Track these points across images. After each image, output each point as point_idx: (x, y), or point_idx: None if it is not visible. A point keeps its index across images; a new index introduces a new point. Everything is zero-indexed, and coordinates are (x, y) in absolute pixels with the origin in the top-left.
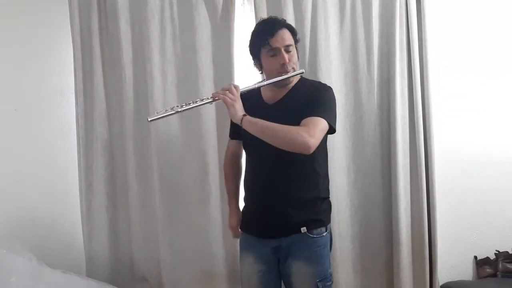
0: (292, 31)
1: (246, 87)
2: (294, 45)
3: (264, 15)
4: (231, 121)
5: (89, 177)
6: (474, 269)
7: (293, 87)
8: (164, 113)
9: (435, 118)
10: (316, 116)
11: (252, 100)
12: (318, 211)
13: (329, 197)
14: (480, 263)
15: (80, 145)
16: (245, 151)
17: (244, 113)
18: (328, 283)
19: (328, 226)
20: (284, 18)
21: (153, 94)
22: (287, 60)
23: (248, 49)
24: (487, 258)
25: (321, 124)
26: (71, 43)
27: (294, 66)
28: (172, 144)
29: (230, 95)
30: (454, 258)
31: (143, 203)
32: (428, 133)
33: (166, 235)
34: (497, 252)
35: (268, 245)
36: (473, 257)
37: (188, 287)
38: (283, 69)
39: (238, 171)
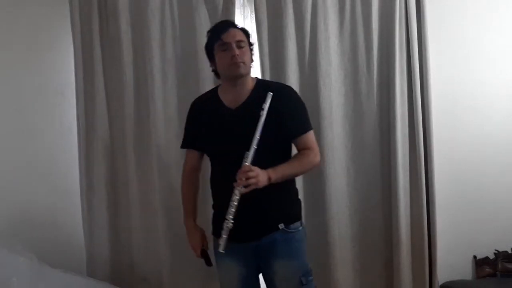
0: (246, 33)
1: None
2: (247, 44)
3: (264, 15)
4: (186, 127)
5: (90, 177)
6: (474, 269)
7: (254, 89)
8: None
9: (435, 118)
10: (307, 131)
11: (211, 104)
12: (293, 206)
13: (298, 195)
14: (480, 263)
15: (80, 145)
16: (212, 157)
17: (267, 175)
18: (310, 278)
19: (302, 221)
20: (284, 19)
21: (153, 95)
22: (237, 53)
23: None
24: (487, 257)
25: (313, 135)
26: (72, 43)
27: (246, 62)
28: (172, 144)
29: (252, 180)
30: (453, 257)
31: (144, 203)
32: (428, 133)
33: (167, 235)
34: (496, 252)
35: (248, 247)
36: (472, 256)
37: (188, 287)
38: (233, 61)
39: (197, 187)
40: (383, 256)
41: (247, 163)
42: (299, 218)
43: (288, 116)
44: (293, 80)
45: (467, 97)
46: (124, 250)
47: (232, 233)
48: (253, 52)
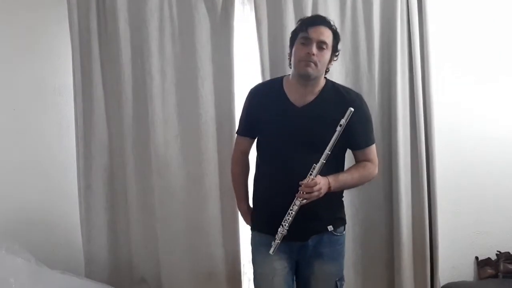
0: (336, 37)
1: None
2: (330, 48)
3: (264, 14)
4: (244, 116)
5: (88, 177)
6: (475, 270)
7: (323, 90)
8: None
9: (436, 117)
10: (370, 145)
11: (277, 99)
12: (341, 209)
13: None
14: (481, 264)
15: (79, 145)
16: (265, 152)
17: (328, 185)
18: (343, 282)
19: (345, 226)
20: (284, 17)
21: (152, 94)
22: (314, 52)
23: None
24: (488, 258)
25: (375, 148)
26: (70, 43)
27: (318, 64)
28: (171, 144)
29: (315, 193)
30: (455, 258)
31: (142, 203)
32: (429, 133)
33: (165, 236)
34: (498, 253)
35: (294, 245)
36: (474, 257)
37: (187, 287)
38: (306, 58)
39: (248, 170)
40: (384, 257)
41: (312, 176)
42: (345, 221)
43: (356, 130)
44: None
45: (469, 96)
46: (123, 251)
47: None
48: (335, 58)
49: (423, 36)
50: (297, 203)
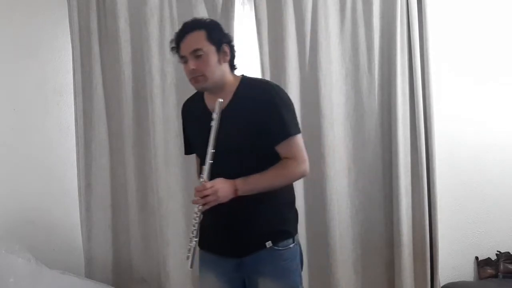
0: (210, 32)
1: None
2: (208, 49)
3: (264, 14)
4: (184, 136)
5: (88, 177)
6: (475, 270)
7: (237, 91)
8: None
9: (437, 118)
10: (290, 136)
11: (198, 110)
12: (284, 220)
13: (295, 204)
14: (481, 264)
15: (79, 145)
16: (200, 164)
17: (233, 188)
18: None
19: (296, 237)
20: (284, 17)
21: (152, 94)
22: (193, 67)
23: None
24: (488, 259)
25: (299, 141)
26: (70, 43)
27: (207, 73)
28: (171, 144)
29: (209, 198)
30: (455, 259)
31: (142, 203)
32: (429, 133)
33: (165, 236)
34: (498, 253)
35: (230, 262)
36: (474, 258)
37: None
38: (191, 75)
39: None
40: (384, 257)
41: (202, 179)
42: (291, 234)
43: (269, 121)
44: (293, 79)
45: (469, 96)
46: (123, 251)
47: (213, 245)
48: (234, 48)
49: (423, 36)
50: (196, 211)
